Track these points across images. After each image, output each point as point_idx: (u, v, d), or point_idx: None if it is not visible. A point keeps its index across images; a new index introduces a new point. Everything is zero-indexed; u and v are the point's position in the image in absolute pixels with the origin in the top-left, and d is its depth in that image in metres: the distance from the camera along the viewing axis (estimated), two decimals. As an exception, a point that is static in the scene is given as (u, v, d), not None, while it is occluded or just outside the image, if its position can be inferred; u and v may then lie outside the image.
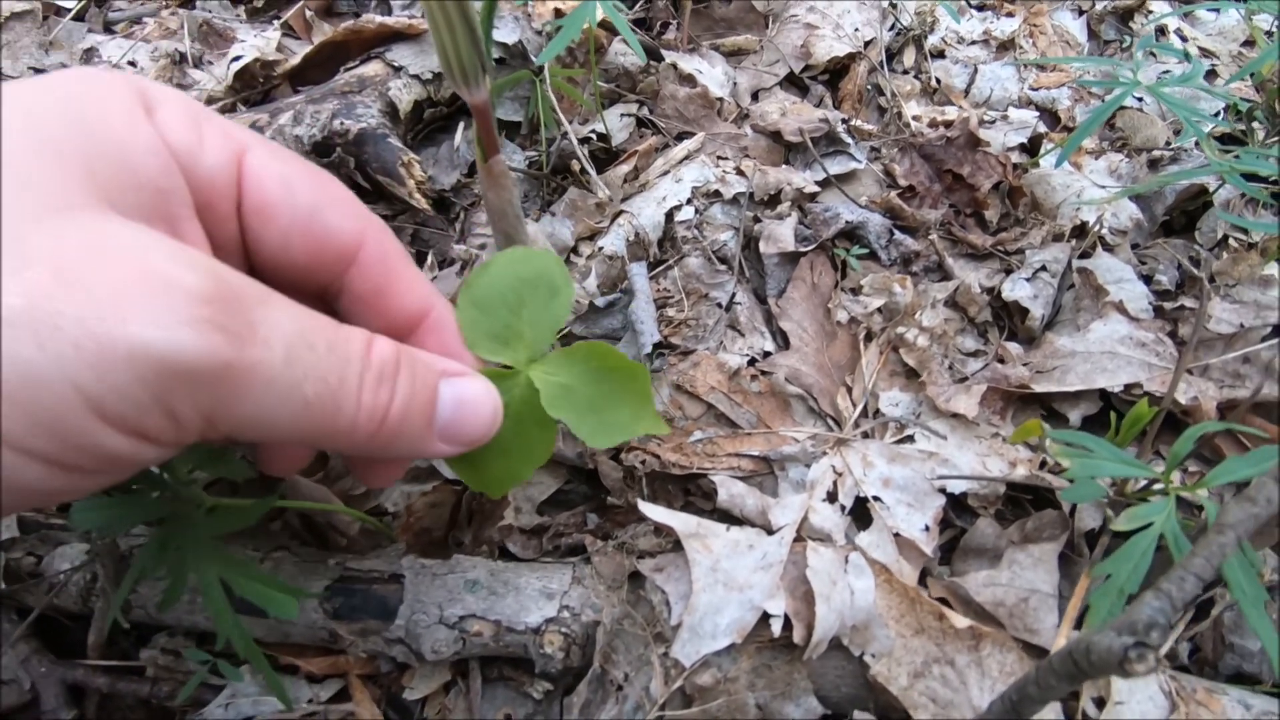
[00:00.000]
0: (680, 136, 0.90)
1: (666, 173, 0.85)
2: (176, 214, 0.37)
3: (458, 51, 0.45)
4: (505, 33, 0.88)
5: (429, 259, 0.78)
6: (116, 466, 0.32)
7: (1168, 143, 0.91)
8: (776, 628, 0.51)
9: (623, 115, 0.91)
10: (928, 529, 0.58)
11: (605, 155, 0.88)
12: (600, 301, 0.74)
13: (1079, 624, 0.51)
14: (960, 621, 0.49)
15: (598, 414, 0.47)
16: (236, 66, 0.79)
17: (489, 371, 0.47)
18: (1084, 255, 0.77)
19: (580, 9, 0.68)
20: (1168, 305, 0.72)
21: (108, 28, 0.93)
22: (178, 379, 0.30)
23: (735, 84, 0.95)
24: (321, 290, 0.45)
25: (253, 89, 0.82)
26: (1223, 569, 0.33)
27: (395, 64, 0.79)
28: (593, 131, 0.87)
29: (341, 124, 0.72)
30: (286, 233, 0.42)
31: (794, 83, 0.98)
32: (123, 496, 0.47)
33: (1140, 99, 0.94)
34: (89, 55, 0.85)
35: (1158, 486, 0.53)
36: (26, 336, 0.27)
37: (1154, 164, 0.87)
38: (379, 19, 0.80)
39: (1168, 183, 0.76)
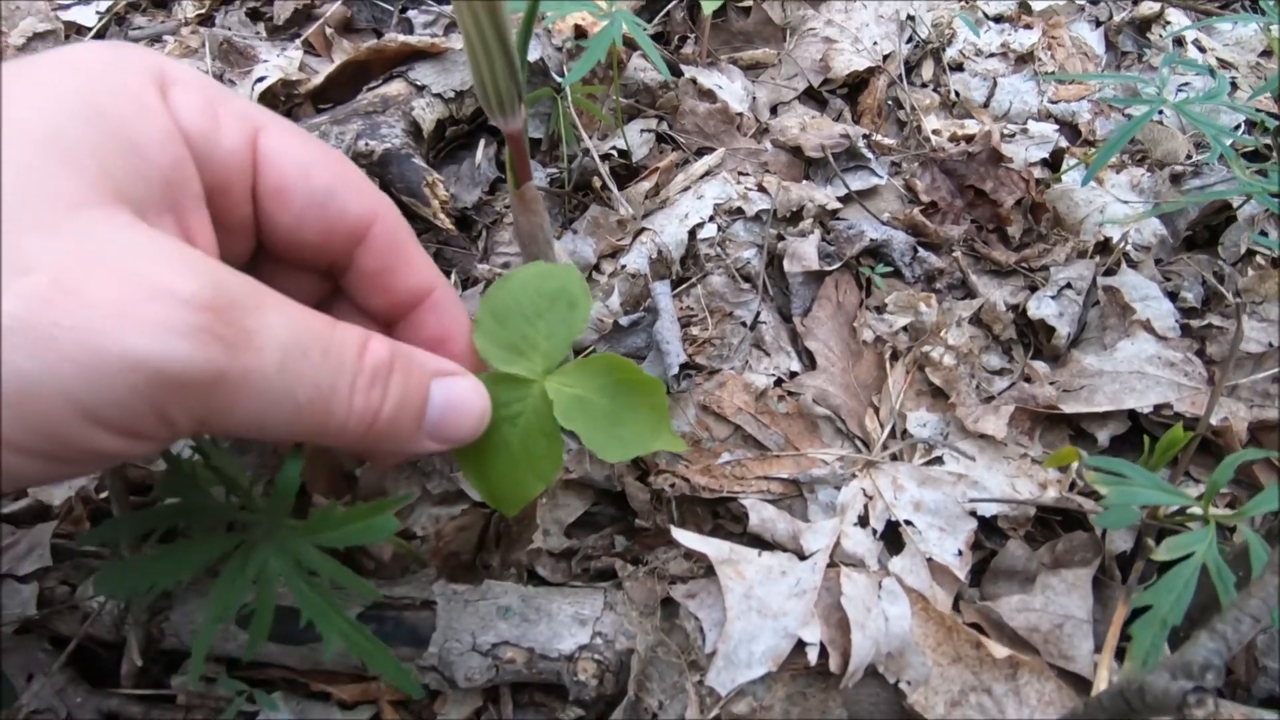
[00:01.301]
0: (700, 152, 0.90)
1: (687, 189, 0.85)
2: (185, 205, 0.37)
3: (495, 82, 0.45)
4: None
5: (453, 277, 0.78)
6: (111, 460, 0.34)
7: (1189, 156, 0.91)
8: (813, 656, 0.51)
9: (643, 131, 0.91)
10: (960, 554, 0.57)
11: (625, 171, 0.88)
12: (624, 320, 0.73)
13: (1119, 654, 0.50)
14: (999, 651, 0.49)
15: (611, 427, 0.47)
16: (261, 87, 0.79)
17: (501, 377, 0.47)
18: (1109, 272, 0.77)
19: (605, 30, 0.68)
20: (1195, 323, 0.72)
21: (127, 45, 0.93)
22: (171, 388, 0.30)
23: (754, 98, 0.95)
24: (329, 266, 0.46)
25: (274, 108, 0.82)
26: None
27: (418, 83, 0.79)
28: (613, 148, 0.87)
29: (366, 145, 0.72)
30: (301, 214, 0.42)
31: (813, 96, 0.98)
32: (161, 552, 0.47)
33: (1161, 113, 0.94)
34: (110, 74, 0.85)
35: (1194, 511, 0.53)
36: (23, 346, 0.27)
37: (1176, 179, 0.86)
38: (401, 38, 0.80)
39: (1197, 201, 0.76)
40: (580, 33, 0.90)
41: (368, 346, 0.38)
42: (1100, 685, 0.48)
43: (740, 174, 0.85)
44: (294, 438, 0.38)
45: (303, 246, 0.44)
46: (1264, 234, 0.81)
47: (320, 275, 0.48)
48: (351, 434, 0.37)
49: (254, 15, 0.98)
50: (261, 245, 0.44)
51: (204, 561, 0.47)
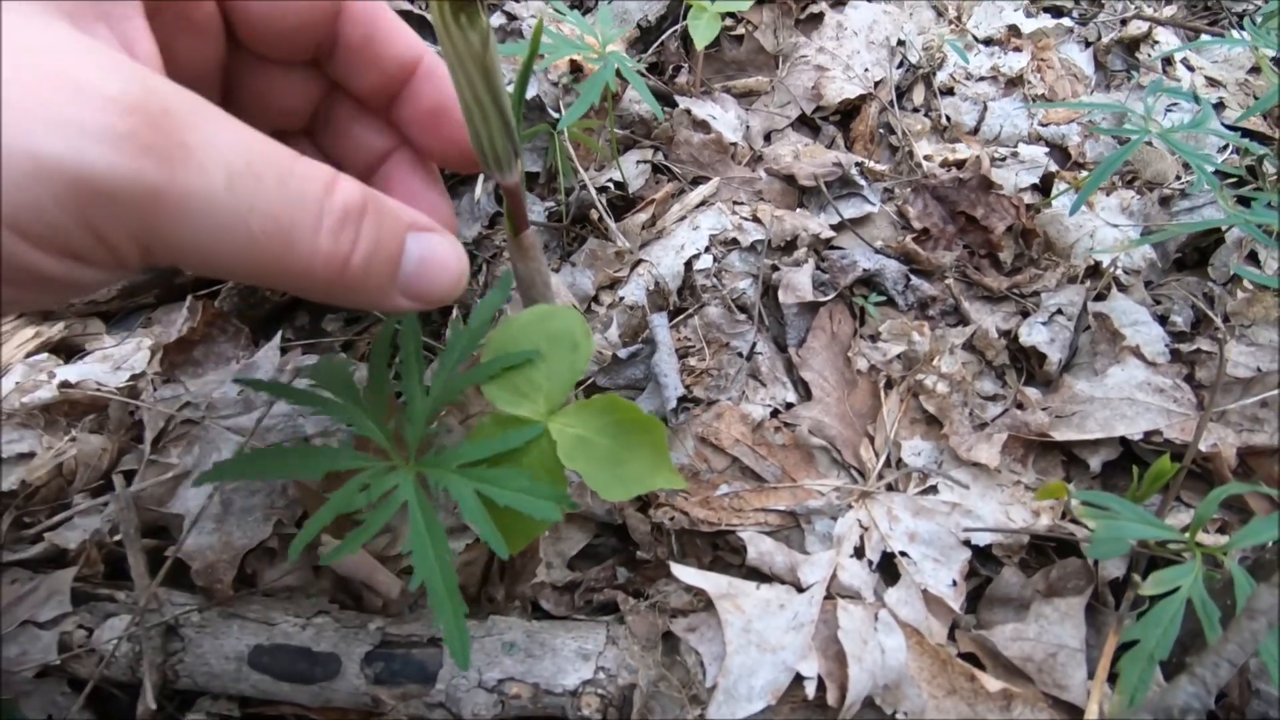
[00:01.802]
0: (696, 181, 0.91)
1: (683, 219, 0.86)
2: (119, 12, 0.33)
3: (492, 141, 0.47)
4: (522, 85, 0.89)
5: (454, 313, 0.79)
6: (61, 289, 0.31)
7: (1178, 177, 0.92)
8: (810, 690, 0.52)
9: (638, 162, 0.92)
10: (955, 584, 0.59)
11: (622, 203, 0.89)
12: (623, 353, 0.75)
13: (1111, 680, 0.51)
14: (993, 684, 0.50)
15: (613, 467, 0.49)
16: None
17: (506, 419, 0.49)
18: (1099, 297, 0.78)
19: (598, 74, 0.70)
20: (1184, 348, 0.73)
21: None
22: (97, 200, 0.27)
23: (748, 127, 0.97)
24: (315, 53, 0.45)
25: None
26: (1260, 652, 0.34)
27: (417, 123, 0.80)
28: (609, 180, 0.88)
29: (368, 187, 0.73)
30: None
31: (806, 123, 0.99)
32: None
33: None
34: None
35: (1180, 544, 0.54)
36: None
37: (1165, 201, 0.88)
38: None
39: (1186, 230, 0.77)
40: (576, 67, 0.92)
41: (336, 184, 0.35)
42: (1091, 715, 0.49)
43: (735, 204, 0.87)
44: (253, 276, 0.34)
45: (282, 33, 0.42)
46: (1254, 254, 0.82)
47: (308, 70, 0.46)
48: (317, 278, 0.35)
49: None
50: (239, 44, 0.43)
51: (333, 467, 0.48)
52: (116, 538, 0.60)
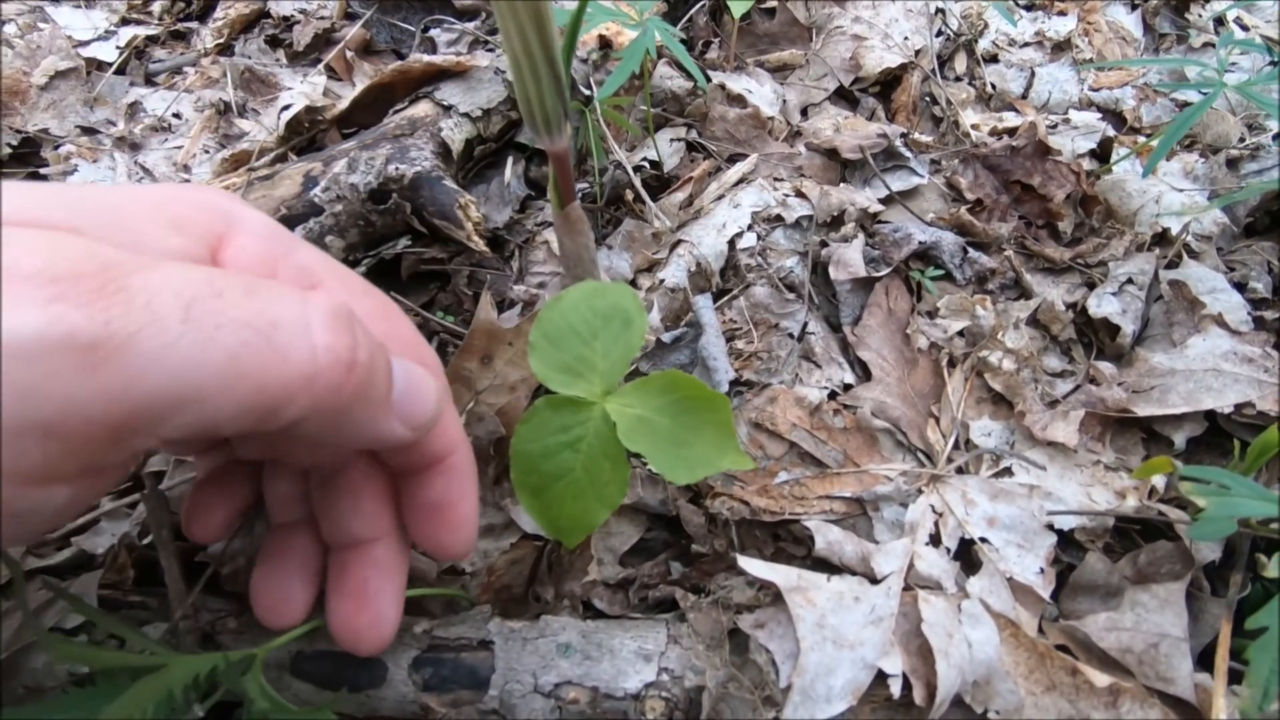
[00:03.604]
0: (732, 159, 0.88)
1: (722, 197, 0.82)
2: None
3: (541, 100, 0.43)
4: (550, 63, 0.86)
5: (487, 299, 0.76)
6: (27, 520, 0.27)
7: (1241, 139, 0.87)
8: (896, 688, 0.48)
9: (672, 140, 0.89)
10: (1042, 571, 0.54)
11: (657, 183, 0.86)
12: (666, 337, 0.71)
13: (1233, 678, 0.47)
14: (1100, 679, 0.46)
15: (677, 448, 0.45)
16: (288, 115, 0.78)
17: (560, 401, 0.46)
18: (1170, 265, 0.74)
19: (638, 40, 0.66)
20: (1268, 315, 0.68)
21: (149, 80, 0.92)
22: (29, 371, 0.24)
23: (784, 101, 0.93)
24: None
25: (299, 135, 0.81)
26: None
27: (445, 103, 0.77)
28: (644, 159, 0.85)
29: (396, 169, 0.70)
30: None
31: (843, 96, 0.95)
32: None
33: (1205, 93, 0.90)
34: (133, 110, 0.84)
35: (1294, 519, 0.49)
36: None
37: (1232, 163, 0.83)
38: (425, 58, 0.79)
39: (1259, 190, 0.73)
40: (605, 43, 0.88)
41: (314, 293, 0.32)
42: (1219, 713, 0.45)
43: (775, 180, 0.83)
44: (248, 411, 0.28)
45: None
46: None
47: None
48: (325, 383, 0.30)
49: (273, 42, 0.97)
50: None
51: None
52: (146, 540, 0.57)
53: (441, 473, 0.44)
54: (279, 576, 0.47)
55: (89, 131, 0.81)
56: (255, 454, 0.44)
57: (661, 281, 0.75)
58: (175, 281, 0.27)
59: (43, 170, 0.78)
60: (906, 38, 0.96)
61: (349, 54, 0.91)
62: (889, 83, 0.95)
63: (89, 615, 0.45)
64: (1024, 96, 0.94)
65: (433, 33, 0.93)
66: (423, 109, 0.77)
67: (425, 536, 0.46)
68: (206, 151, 0.80)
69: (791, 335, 0.71)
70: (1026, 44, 0.98)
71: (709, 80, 0.90)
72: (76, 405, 0.24)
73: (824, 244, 0.76)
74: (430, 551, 0.47)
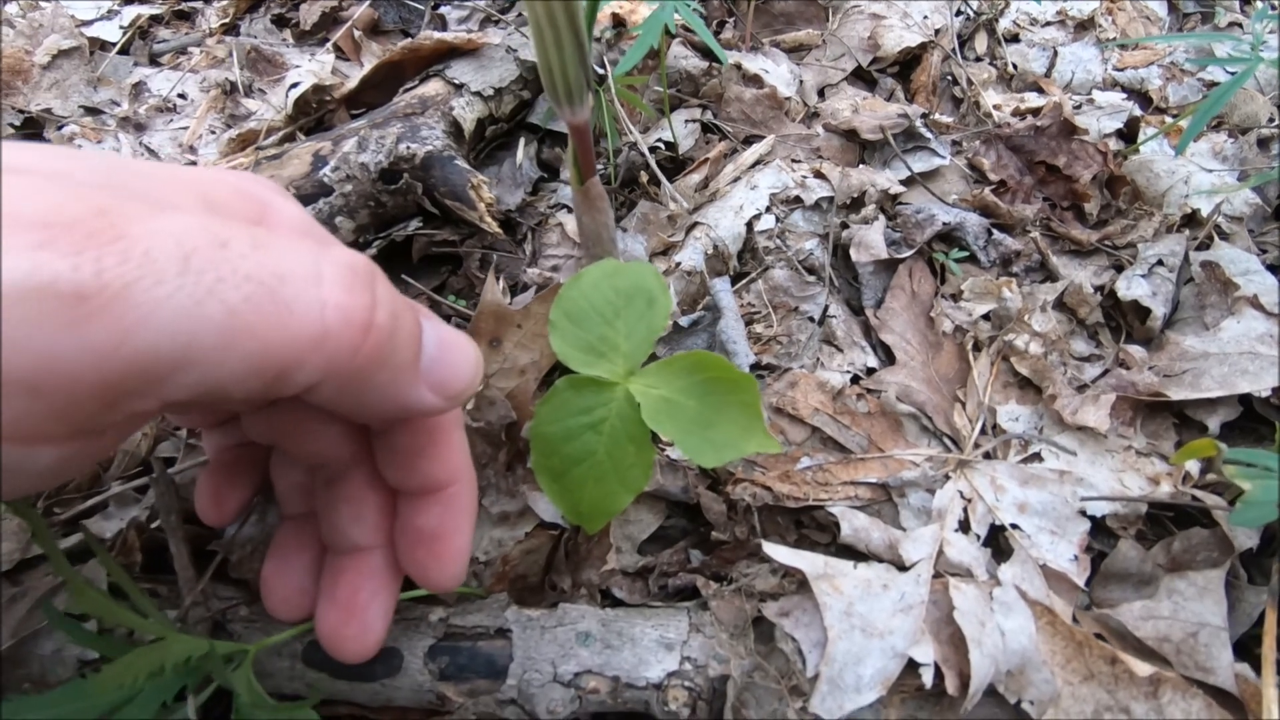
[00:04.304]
0: (748, 140, 0.86)
1: (738, 179, 0.81)
2: None
3: (564, 69, 0.42)
4: (562, 42, 0.84)
5: (501, 283, 0.74)
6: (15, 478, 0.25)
7: (1270, 119, 0.85)
8: (928, 678, 0.46)
9: (687, 121, 0.87)
10: (1076, 558, 0.53)
11: (671, 165, 0.84)
12: (684, 321, 0.70)
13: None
14: (1142, 668, 0.44)
15: (704, 430, 0.43)
16: (295, 94, 0.76)
17: (582, 381, 0.44)
18: (1201, 246, 0.72)
19: (656, 14, 0.64)
20: (1304, 297, 0.66)
21: (153, 60, 0.90)
22: (32, 305, 0.22)
23: (801, 81, 0.91)
24: (367, 425, 0.41)
25: (307, 115, 0.79)
26: None
27: (456, 81, 0.75)
28: (659, 140, 0.83)
29: (408, 148, 0.68)
30: None
31: (861, 77, 0.93)
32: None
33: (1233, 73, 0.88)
34: (138, 90, 0.83)
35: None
36: None
37: (1263, 144, 0.81)
38: (436, 35, 0.77)
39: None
40: (619, 21, 0.86)
41: (331, 247, 0.29)
42: (1271, 711, 0.43)
43: (793, 161, 0.81)
44: (251, 374, 0.26)
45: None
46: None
47: (352, 428, 0.42)
48: (339, 345, 0.27)
49: (279, 22, 0.95)
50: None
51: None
52: (155, 524, 0.56)
53: (440, 501, 0.42)
54: (290, 569, 0.46)
55: (93, 112, 0.79)
56: (262, 435, 0.42)
57: (678, 264, 0.73)
58: (179, 229, 0.25)
59: (46, 151, 0.76)
60: (926, 16, 0.94)
61: (356, 33, 0.89)
62: (908, 63, 0.93)
63: (114, 573, 0.44)
64: (1047, 76, 0.92)
65: (443, 9, 0.91)
66: (433, 87, 0.75)
67: (413, 563, 0.43)
68: (213, 132, 0.78)
69: (812, 319, 0.70)
70: (1049, 23, 0.96)
71: (719, 61, 0.88)
72: (61, 362, 0.22)
73: (844, 226, 0.74)
74: (415, 579, 0.44)
